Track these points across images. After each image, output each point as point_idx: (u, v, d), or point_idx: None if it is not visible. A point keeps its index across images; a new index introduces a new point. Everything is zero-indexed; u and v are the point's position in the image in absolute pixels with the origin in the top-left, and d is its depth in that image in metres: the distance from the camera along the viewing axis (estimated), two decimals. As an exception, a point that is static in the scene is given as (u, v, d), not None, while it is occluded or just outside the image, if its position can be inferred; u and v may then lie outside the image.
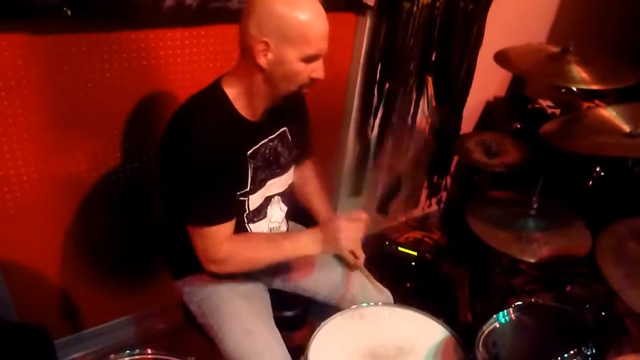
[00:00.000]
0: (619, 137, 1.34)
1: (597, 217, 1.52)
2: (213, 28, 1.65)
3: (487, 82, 2.48)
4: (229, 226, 1.27)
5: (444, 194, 2.69)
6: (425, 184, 2.64)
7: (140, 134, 1.69)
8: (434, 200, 2.70)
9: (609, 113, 1.41)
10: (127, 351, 1.24)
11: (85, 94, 1.53)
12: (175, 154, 1.21)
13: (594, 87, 1.49)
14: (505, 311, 1.18)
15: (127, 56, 1.55)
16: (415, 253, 2.41)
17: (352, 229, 1.32)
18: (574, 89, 1.54)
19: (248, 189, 1.32)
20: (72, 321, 1.89)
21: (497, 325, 1.19)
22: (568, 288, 1.99)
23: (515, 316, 1.19)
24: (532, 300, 1.44)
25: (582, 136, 1.38)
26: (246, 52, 1.18)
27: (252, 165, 1.30)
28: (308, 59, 1.17)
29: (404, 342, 1.28)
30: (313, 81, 1.22)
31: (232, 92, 1.24)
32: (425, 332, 1.32)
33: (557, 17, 2.60)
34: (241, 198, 1.32)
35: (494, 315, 1.18)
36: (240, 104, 1.25)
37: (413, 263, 2.38)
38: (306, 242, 1.33)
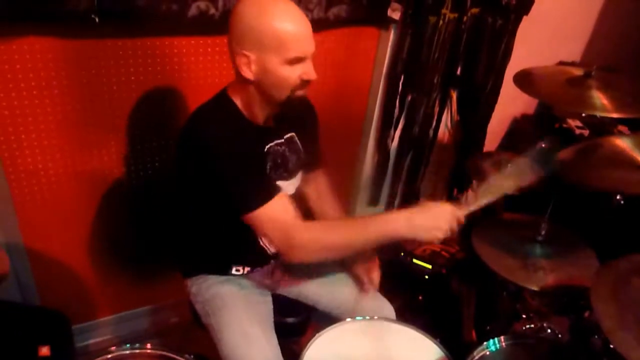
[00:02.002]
0: (634, 170, 1.30)
1: (611, 249, 1.48)
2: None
3: (515, 98, 2.43)
4: (280, 202, 1.23)
5: (464, 209, 2.65)
6: (445, 198, 2.62)
7: (160, 135, 1.76)
8: (453, 214, 2.66)
9: (624, 144, 1.36)
10: (128, 345, 1.30)
11: (111, 95, 1.61)
12: (201, 162, 1.22)
13: (614, 115, 1.44)
14: (496, 339, 1.17)
15: (151, 62, 1.62)
16: (429, 266, 2.39)
17: (453, 220, 1.21)
18: (597, 115, 1.49)
19: None
20: (90, 309, 1.99)
21: (487, 353, 1.18)
22: (587, 314, 1.94)
23: (506, 345, 1.18)
24: (532, 325, 1.40)
25: (596, 169, 1.33)
26: (234, 66, 1.22)
27: (269, 164, 1.33)
28: (292, 62, 1.18)
29: (397, 359, 1.29)
30: (306, 83, 1.23)
31: (238, 100, 1.29)
32: (419, 350, 1.31)
33: (593, 36, 2.52)
34: None
35: (485, 342, 1.17)
36: (246, 111, 1.29)
37: (426, 276, 2.36)
38: (398, 222, 1.21)
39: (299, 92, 1.24)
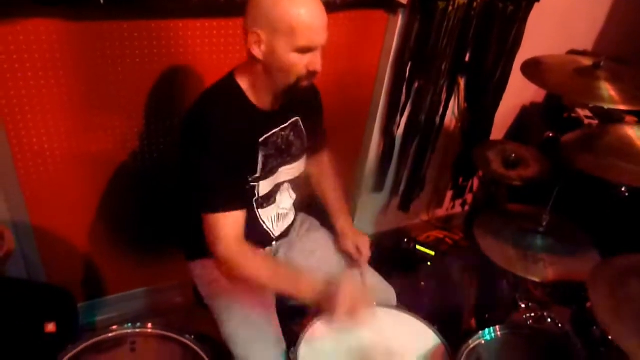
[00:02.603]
0: (639, 161, 1.28)
1: (613, 242, 1.47)
2: (240, 20, 1.68)
3: (524, 87, 2.38)
4: (234, 217, 1.27)
5: (469, 197, 2.65)
6: (450, 186, 2.61)
7: (165, 118, 1.76)
8: (458, 202, 2.66)
9: (634, 133, 1.34)
10: (129, 324, 1.32)
11: (116, 77, 1.61)
12: (193, 144, 1.26)
13: (622, 107, 1.42)
14: (491, 328, 1.18)
15: (156, 44, 1.61)
16: (432, 253, 2.40)
17: (355, 300, 1.21)
18: (605, 107, 1.47)
19: (258, 175, 1.35)
20: (96, 287, 2.02)
21: (483, 342, 1.19)
22: (589, 304, 1.94)
23: (501, 334, 1.19)
24: (532, 314, 1.41)
25: (600, 156, 1.31)
26: (245, 44, 1.22)
27: (262, 153, 1.34)
28: (300, 51, 1.17)
29: (394, 345, 1.30)
30: (312, 73, 1.22)
31: (244, 83, 1.29)
32: (417, 337, 1.33)
33: (605, 25, 2.47)
34: (251, 184, 1.36)
35: (480, 331, 1.18)
36: (251, 94, 1.30)
37: (429, 263, 2.37)
38: (305, 290, 1.27)
39: (304, 83, 1.24)
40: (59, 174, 1.69)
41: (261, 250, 1.40)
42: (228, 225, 1.27)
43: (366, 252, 1.53)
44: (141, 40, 1.58)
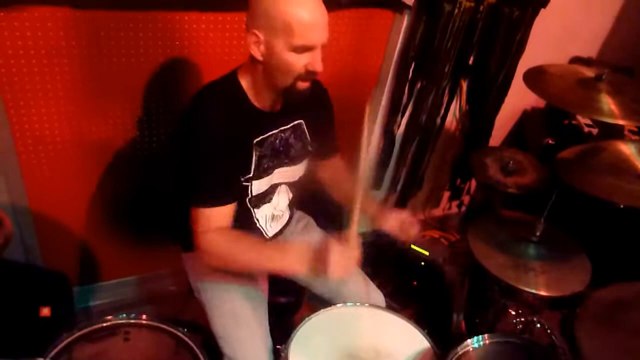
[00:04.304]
0: (633, 179, 1.29)
1: (606, 254, 1.48)
2: (244, 14, 1.68)
3: (526, 91, 2.39)
4: (221, 212, 1.27)
5: (466, 198, 2.67)
6: (448, 186, 2.63)
7: (167, 109, 1.77)
8: (455, 203, 2.68)
9: (628, 150, 1.35)
10: (124, 314, 1.34)
11: (118, 67, 1.61)
12: (186, 136, 1.27)
13: (620, 122, 1.42)
14: (480, 337, 1.20)
15: (160, 35, 1.61)
16: (427, 253, 2.42)
17: (345, 258, 1.20)
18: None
19: (251, 174, 1.34)
20: (92, 273, 2.04)
21: (471, 349, 1.21)
22: (578, 309, 1.96)
23: (489, 343, 1.21)
24: (522, 319, 1.42)
25: (596, 174, 1.32)
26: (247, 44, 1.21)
27: (257, 153, 1.32)
28: (298, 50, 1.16)
29: (383, 347, 1.31)
30: (311, 73, 1.20)
31: (245, 82, 1.29)
32: (406, 339, 1.34)
33: (610, 33, 2.46)
34: (244, 183, 1.35)
35: (469, 339, 1.20)
36: (252, 94, 1.29)
37: (423, 263, 2.39)
38: (293, 259, 1.24)
39: (304, 84, 1.23)
40: (59, 160, 1.70)
41: (242, 234, 1.32)
42: (214, 218, 1.27)
43: (414, 229, 1.41)
44: (145, 31, 1.58)
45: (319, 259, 1.18)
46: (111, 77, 1.62)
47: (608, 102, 1.45)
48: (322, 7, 1.17)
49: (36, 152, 1.65)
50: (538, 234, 1.51)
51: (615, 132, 2.16)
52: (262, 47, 1.18)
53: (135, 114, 1.73)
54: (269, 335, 1.39)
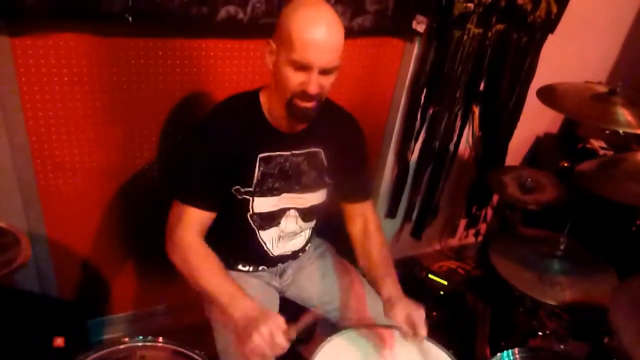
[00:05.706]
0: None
1: (631, 267, 1.44)
2: (262, 42, 1.72)
3: (539, 116, 2.42)
4: (200, 215, 1.28)
5: (483, 226, 2.63)
6: (464, 214, 2.60)
7: (182, 137, 1.78)
8: (471, 232, 2.64)
9: (650, 159, 1.35)
10: (140, 337, 1.31)
11: (139, 94, 1.65)
12: (192, 133, 1.32)
13: (639, 131, 1.43)
14: (510, 351, 1.15)
15: (180, 62, 1.66)
16: (445, 282, 2.37)
17: (267, 342, 1.09)
18: (620, 131, 1.47)
19: (252, 189, 1.33)
20: (107, 304, 2.01)
21: (501, 364, 1.16)
22: (606, 340, 1.89)
23: (520, 357, 1.16)
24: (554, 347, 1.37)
25: (617, 181, 1.31)
26: None
27: (260, 169, 1.32)
28: (295, 65, 1.15)
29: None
30: (305, 93, 1.17)
31: (264, 98, 1.32)
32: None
33: (620, 58, 2.50)
34: (244, 196, 1.34)
35: (499, 354, 1.15)
36: (267, 110, 1.31)
37: (442, 292, 2.34)
38: (236, 308, 1.17)
39: (304, 103, 1.20)
40: (78, 187, 1.71)
41: (215, 255, 1.28)
42: (191, 218, 1.27)
43: (422, 329, 1.24)
44: (165, 58, 1.63)
45: (248, 329, 1.10)
46: (131, 104, 1.66)
47: (624, 114, 1.46)
48: (334, 31, 1.15)
49: (55, 178, 1.67)
50: (562, 248, 1.48)
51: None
52: (273, 56, 1.21)
53: (155, 140, 1.76)
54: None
